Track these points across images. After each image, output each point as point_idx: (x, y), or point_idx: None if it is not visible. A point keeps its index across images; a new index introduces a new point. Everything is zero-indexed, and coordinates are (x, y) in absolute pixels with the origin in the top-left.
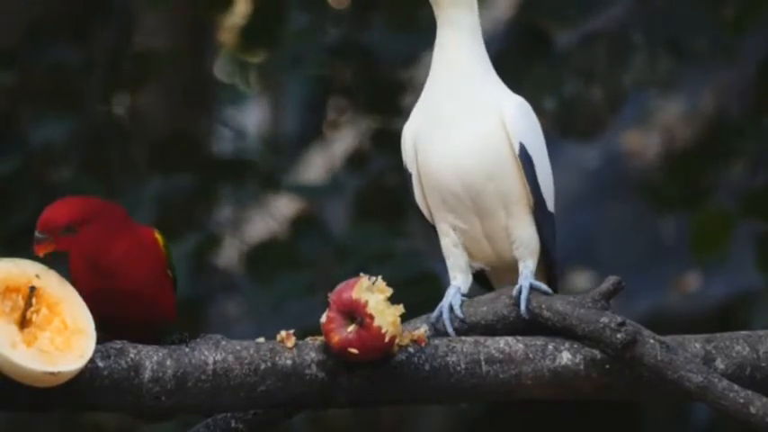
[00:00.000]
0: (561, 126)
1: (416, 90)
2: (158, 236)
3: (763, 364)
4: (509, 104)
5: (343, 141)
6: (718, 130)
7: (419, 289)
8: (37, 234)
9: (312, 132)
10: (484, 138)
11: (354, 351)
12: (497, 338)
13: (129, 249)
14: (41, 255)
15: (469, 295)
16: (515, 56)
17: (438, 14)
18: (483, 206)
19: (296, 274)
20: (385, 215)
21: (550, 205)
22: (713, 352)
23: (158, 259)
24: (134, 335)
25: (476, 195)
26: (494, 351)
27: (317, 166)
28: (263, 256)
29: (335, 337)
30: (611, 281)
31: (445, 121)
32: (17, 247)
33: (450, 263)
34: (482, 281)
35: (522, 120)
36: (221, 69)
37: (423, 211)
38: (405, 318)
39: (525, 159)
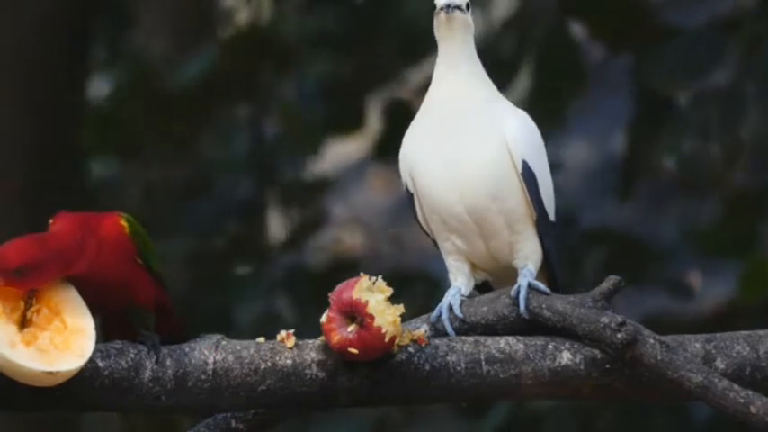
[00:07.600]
0: (683, 181)
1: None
2: (124, 223)
3: (764, 364)
4: (511, 122)
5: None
6: None
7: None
8: None
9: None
10: (487, 158)
11: (354, 351)
12: (498, 338)
13: (92, 261)
14: None
15: (470, 295)
16: (643, 122)
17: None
18: (486, 226)
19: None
20: None
21: (552, 215)
22: (713, 352)
23: (124, 250)
24: (112, 321)
25: (479, 216)
26: (494, 351)
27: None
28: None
29: (335, 337)
30: (611, 281)
31: (446, 144)
32: None
33: (451, 272)
34: (484, 288)
35: (524, 137)
36: None
37: (425, 230)
38: (404, 317)
39: (528, 177)
